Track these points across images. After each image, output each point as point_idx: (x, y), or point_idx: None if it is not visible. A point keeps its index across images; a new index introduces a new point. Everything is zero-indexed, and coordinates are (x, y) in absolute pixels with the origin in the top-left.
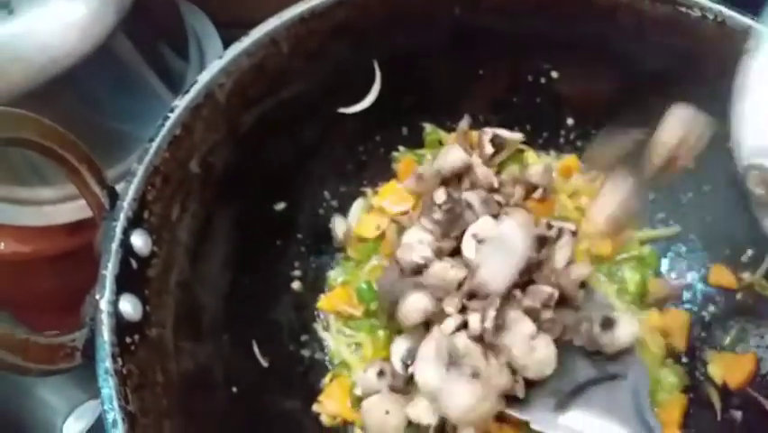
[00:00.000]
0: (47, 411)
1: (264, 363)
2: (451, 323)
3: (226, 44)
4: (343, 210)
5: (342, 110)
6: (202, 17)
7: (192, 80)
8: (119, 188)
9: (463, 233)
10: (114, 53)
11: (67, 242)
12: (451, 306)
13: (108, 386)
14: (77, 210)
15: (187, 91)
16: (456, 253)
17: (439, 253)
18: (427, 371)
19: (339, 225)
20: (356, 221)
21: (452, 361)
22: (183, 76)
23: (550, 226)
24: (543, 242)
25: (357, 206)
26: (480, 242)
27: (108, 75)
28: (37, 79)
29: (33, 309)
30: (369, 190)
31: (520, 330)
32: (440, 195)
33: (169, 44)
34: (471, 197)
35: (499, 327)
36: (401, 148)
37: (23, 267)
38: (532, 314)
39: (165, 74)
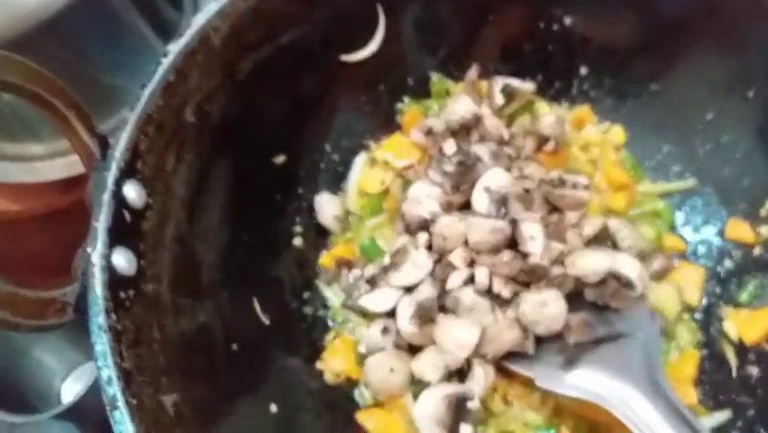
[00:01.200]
0: (46, 373)
1: (266, 321)
2: (458, 277)
3: None
4: (346, 164)
5: (344, 58)
6: None
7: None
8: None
9: (473, 186)
10: (106, 2)
11: (58, 200)
12: (458, 259)
13: (102, 342)
14: (68, 166)
15: (181, 35)
16: (465, 207)
17: (448, 207)
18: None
19: (327, 206)
20: (359, 175)
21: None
22: (177, 26)
23: (563, 181)
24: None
25: (360, 160)
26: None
27: (99, 26)
28: (24, 24)
29: (26, 270)
30: (372, 144)
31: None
32: (450, 146)
33: None
34: (481, 150)
35: (511, 279)
36: (406, 99)
37: (15, 226)
38: (542, 270)
39: (158, 24)
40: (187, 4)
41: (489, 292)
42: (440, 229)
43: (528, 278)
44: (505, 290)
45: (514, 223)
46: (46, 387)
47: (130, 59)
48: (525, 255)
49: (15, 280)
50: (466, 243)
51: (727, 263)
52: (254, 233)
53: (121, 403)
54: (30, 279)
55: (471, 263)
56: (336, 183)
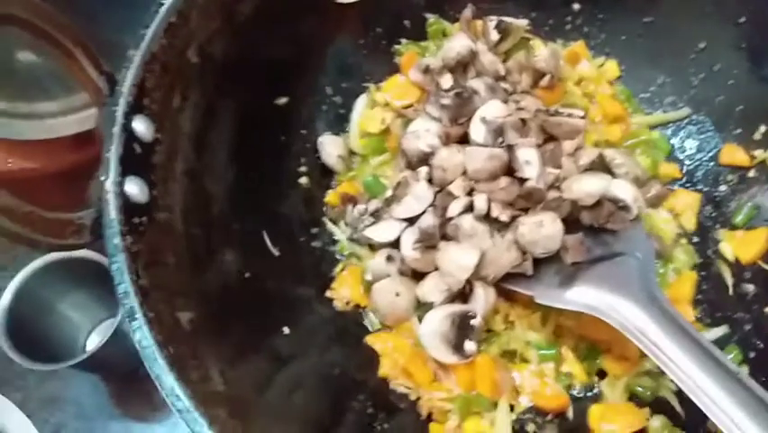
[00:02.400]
0: (71, 327)
1: (276, 253)
2: (458, 205)
3: None
4: (347, 106)
5: (341, 0)
6: None
7: None
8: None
9: (470, 119)
10: None
11: (71, 156)
12: (457, 189)
13: (118, 260)
14: (80, 122)
15: None
16: (464, 140)
17: (446, 140)
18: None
19: (330, 147)
20: (360, 116)
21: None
22: None
23: (558, 111)
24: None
25: (361, 101)
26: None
27: None
28: None
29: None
30: (372, 86)
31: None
32: (446, 80)
33: None
34: (478, 84)
35: (509, 205)
36: (403, 40)
37: (31, 183)
38: (539, 194)
39: None
40: None
41: (487, 217)
42: (439, 161)
43: (525, 203)
44: (503, 215)
45: (510, 149)
46: (71, 341)
47: (133, 15)
48: (522, 181)
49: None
50: (465, 173)
51: (722, 188)
52: (261, 171)
53: (139, 315)
54: None
55: (471, 192)
56: (339, 124)
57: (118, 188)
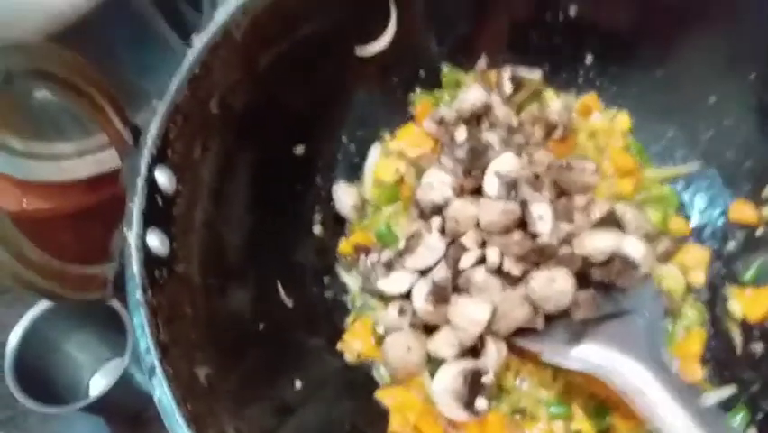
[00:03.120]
0: (76, 367)
1: (289, 303)
2: (470, 257)
3: None
4: (361, 154)
5: (359, 52)
6: None
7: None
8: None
9: (484, 171)
10: (130, 4)
11: (85, 198)
12: (470, 241)
13: (140, 315)
14: (96, 163)
15: (204, 30)
16: (477, 192)
17: (460, 192)
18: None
19: (344, 196)
20: (374, 165)
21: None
22: (197, 26)
23: (570, 166)
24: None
25: (375, 150)
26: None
27: (125, 26)
28: (55, 25)
29: None
30: (386, 134)
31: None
32: (461, 132)
33: None
34: (492, 136)
35: (521, 259)
36: (418, 90)
37: (45, 223)
38: (551, 249)
39: (179, 25)
40: (206, 5)
41: (499, 271)
42: (452, 212)
43: (537, 257)
44: (515, 269)
45: (524, 204)
46: (76, 381)
47: (152, 60)
48: (534, 235)
49: None
50: (477, 225)
51: (732, 244)
52: (276, 220)
53: (159, 371)
54: None
55: (483, 244)
56: (353, 173)
57: (140, 241)
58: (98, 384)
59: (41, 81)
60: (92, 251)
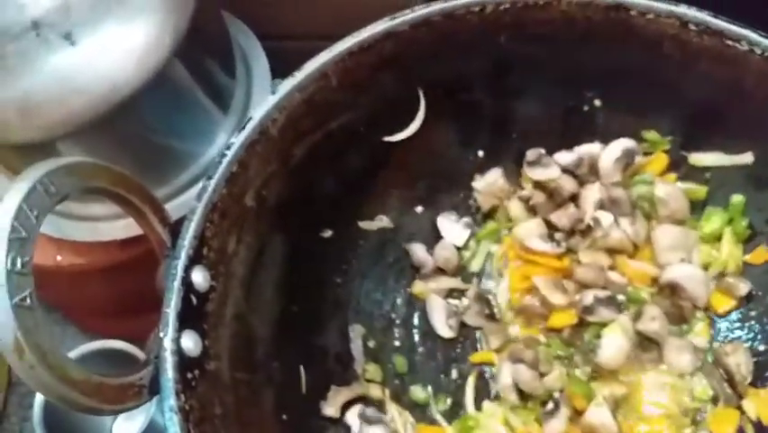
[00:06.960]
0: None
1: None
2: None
3: (269, 56)
4: None
5: (387, 138)
6: (247, 32)
7: (240, 97)
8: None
9: None
10: (168, 76)
11: (119, 254)
12: None
13: (173, 424)
14: (129, 227)
15: (242, 128)
16: None
17: None
18: None
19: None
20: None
21: None
22: (231, 93)
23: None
24: None
25: None
26: None
27: (162, 98)
28: (98, 109)
29: (83, 312)
30: None
31: None
32: None
33: (217, 62)
34: None
35: None
36: None
37: (78, 277)
38: None
39: (214, 92)
40: (240, 72)
41: None
42: None
43: None
44: None
45: None
46: (98, 425)
47: (189, 126)
48: None
49: (74, 318)
50: None
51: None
52: (302, 305)
53: None
54: (86, 319)
55: None
56: None
57: (175, 344)
58: (122, 429)
59: (90, 195)
60: (124, 303)
